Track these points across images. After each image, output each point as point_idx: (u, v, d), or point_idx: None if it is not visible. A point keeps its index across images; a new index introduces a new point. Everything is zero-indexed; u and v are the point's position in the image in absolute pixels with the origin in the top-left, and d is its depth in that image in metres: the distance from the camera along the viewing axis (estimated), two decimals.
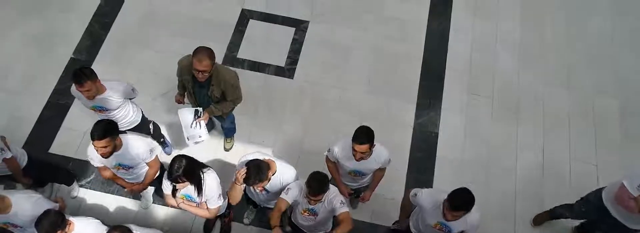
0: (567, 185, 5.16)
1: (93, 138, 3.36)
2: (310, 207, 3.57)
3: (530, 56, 5.97)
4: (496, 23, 6.18)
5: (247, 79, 5.53)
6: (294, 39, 5.83)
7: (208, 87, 3.88)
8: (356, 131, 3.52)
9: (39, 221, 3.11)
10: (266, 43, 5.77)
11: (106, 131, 3.36)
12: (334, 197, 3.50)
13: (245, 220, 4.75)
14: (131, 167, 3.77)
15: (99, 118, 3.97)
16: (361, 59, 5.79)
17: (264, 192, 3.70)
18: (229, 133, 4.97)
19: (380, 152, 3.76)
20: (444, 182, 5.03)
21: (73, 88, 3.87)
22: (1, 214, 3.38)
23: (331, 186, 3.52)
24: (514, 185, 5.19)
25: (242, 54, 5.65)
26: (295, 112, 5.40)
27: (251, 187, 3.60)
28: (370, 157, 3.71)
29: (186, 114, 4.01)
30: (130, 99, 4.13)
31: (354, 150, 3.54)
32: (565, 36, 6.13)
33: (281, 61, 5.67)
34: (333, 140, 4.81)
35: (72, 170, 4.85)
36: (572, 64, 5.94)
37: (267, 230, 4.74)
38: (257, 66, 5.62)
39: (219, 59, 5.55)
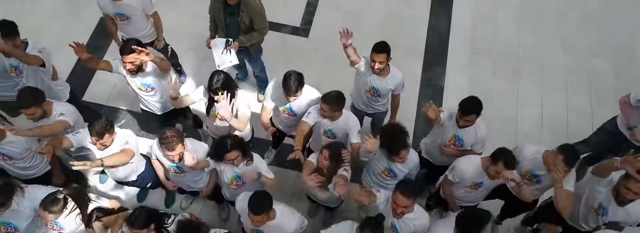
0: (564, 138, 5.49)
1: (122, 54, 3.82)
2: (329, 127, 3.99)
3: (529, 20, 6.39)
4: None
5: (266, 37, 5.93)
6: (308, 3, 6.27)
7: (238, 13, 4.29)
8: (375, 43, 3.97)
9: (92, 123, 3.53)
10: (282, 6, 6.19)
11: (136, 45, 3.78)
12: (353, 127, 3.99)
13: (265, 161, 5.09)
14: (153, 89, 4.21)
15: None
16: (371, 21, 6.19)
17: (291, 116, 4.10)
18: (262, 84, 5.34)
19: (395, 73, 4.20)
20: None
21: None
22: (44, 118, 3.85)
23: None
24: (515, 137, 5.54)
25: None
26: (310, 68, 5.70)
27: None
28: (387, 76, 4.14)
29: (218, 43, 4.44)
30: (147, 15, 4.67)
31: (372, 60, 3.99)
32: (563, 2, 6.56)
33: (296, 22, 6.11)
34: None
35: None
36: (568, 27, 6.35)
37: (285, 170, 5.12)
38: (274, 26, 5.96)
39: None
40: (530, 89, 5.88)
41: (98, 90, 5.53)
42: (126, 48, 3.81)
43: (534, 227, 4.73)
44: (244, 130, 4.04)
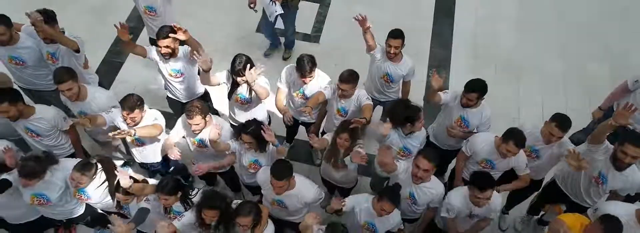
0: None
1: (158, 38, 4.11)
2: (342, 105, 4.25)
3: (528, 29, 6.78)
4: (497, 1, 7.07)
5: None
6: (318, 13, 6.68)
7: None
8: (391, 30, 4.31)
9: (125, 98, 3.79)
10: None
11: (171, 31, 4.08)
12: (363, 96, 4.25)
13: None
14: (182, 74, 4.47)
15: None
16: (378, 30, 6.48)
17: (303, 99, 4.37)
18: (290, 45, 6.10)
19: (407, 60, 4.55)
20: None
21: None
22: (79, 101, 4.11)
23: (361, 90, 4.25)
24: None
25: None
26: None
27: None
28: (400, 62, 4.49)
29: None
30: None
31: (388, 46, 4.30)
32: (559, 12, 6.98)
33: (308, 29, 6.50)
34: None
35: None
36: (565, 36, 6.73)
37: (298, 163, 5.32)
38: None
39: (254, 27, 6.43)
40: (531, 91, 6.17)
41: (120, 91, 5.73)
42: (162, 33, 4.10)
43: (540, 215, 4.90)
44: (266, 96, 4.23)
